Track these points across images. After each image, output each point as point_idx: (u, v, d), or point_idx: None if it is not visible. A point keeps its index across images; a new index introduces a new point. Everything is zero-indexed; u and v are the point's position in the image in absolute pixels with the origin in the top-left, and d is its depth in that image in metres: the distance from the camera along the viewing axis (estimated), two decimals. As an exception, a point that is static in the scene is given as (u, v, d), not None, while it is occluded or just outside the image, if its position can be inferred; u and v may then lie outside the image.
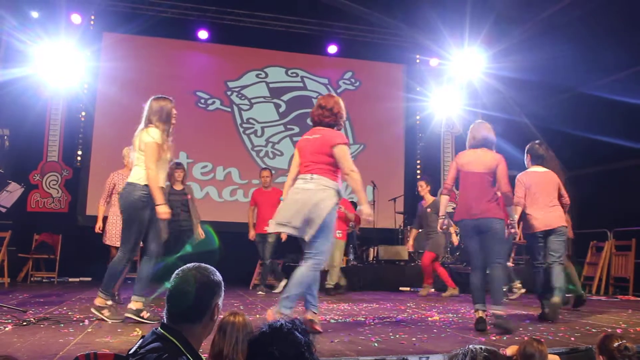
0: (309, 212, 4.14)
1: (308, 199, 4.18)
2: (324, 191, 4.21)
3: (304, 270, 4.18)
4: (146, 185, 4.50)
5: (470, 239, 4.82)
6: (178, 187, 7.14)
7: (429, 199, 8.43)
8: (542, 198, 5.59)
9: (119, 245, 5.36)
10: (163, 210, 4.49)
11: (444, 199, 5.29)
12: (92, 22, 10.23)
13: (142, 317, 4.50)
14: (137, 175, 4.56)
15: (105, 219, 6.30)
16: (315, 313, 4.36)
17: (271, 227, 4.36)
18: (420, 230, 8.72)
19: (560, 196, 5.67)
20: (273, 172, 8.62)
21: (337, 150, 4.28)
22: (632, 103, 8.12)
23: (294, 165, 4.54)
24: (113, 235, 6.11)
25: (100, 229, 6.27)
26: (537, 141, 5.98)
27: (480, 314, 4.59)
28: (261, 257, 8.08)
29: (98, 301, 4.59)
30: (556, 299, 5.30)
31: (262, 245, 7.99)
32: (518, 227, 5.85)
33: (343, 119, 4.56)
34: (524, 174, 5.76)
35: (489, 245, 4.68)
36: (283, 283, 7.79)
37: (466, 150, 5.05)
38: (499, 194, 4.77)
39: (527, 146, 5.88)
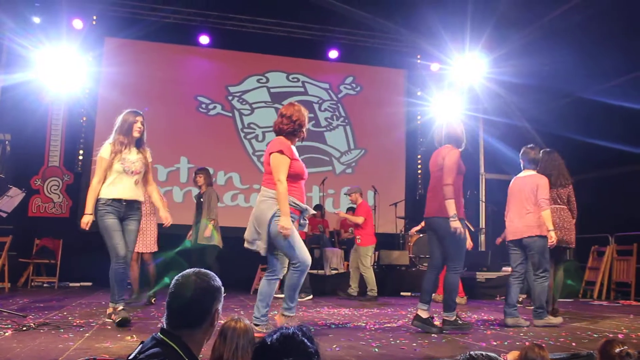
0: (255, 226, 4.24)
1: (254, 213, 4.31)
2: (264, 202, 4.24)
3: (287, 275, 4.34)
4: (99, 199, 4.73)
5: (429, 237, 4.98)
6: (202, 191, 7.58)
7: None
8: (516, 205, 5.44)
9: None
10: (83, 220, 4.70)
11: None
12: (94, 23, 10.22)
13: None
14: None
15: None
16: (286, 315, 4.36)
17: (245, 243, 4.41)
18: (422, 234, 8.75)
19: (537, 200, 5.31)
20: None
21: (271, 159, 4.25)
22: (632, 108, 8.12)
23: None
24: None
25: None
26: (529, 145, 5.74)
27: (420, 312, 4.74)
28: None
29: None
30: (537, 322, 5.21)
31: None
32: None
33: (303, 127, 4.44)
34: (512, 180, 5.67)
35: (441, 244, 4.80)
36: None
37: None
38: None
39: (521, 151, 5.71)
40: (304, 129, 4.47)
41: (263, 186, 4.31)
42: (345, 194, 8.45)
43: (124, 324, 4.53)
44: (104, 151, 4.80)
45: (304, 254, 4.23)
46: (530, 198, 5.33)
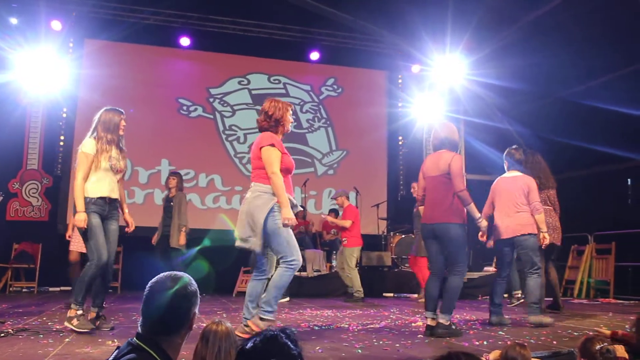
0: (249, 223, 4.15)
1: (246, 209, 4.20)
2: (259, 198, 4.16)
3: (276, 274, 4.20)
4: (85, 196, 4.57)
5: (429, 244, 4.82)
6: (171, 194, 7.56)
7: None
8: (505, 204, 5.45)
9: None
10: (76, 218, 4.54)
11: (421, 210, 5.11)
12: (72, 28, 10.12)
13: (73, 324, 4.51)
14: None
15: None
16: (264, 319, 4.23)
17: (236, 242, 4.30)
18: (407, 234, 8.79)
19: (529, 202, 5.38)
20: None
21: (262, 153, 4.21)
22: (609, 109, 8.24)
23: None
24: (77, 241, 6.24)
25: (71, 237, 6.28)
26: (514, 146, 5.81)
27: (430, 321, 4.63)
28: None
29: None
30: (531, 317, 5.20)
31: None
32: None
33: (283, 123, 4.39)
34: (496, 181, 5.69)
35: (446, 249, 4.68)
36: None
37: (428, 156, 5.02)
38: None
39: (505, 152, 5.76)
40: (285, 123, 4.41)
41: (254, 182, 4.24)
42: (331, 198, 8.46)
43: (86, 332, 4.39)
44: (89, 147, 4.65)
45: (298, 251, 4.20)
46: (520, 198, 5.37)
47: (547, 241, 5.37)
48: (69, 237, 6.42)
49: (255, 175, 4.27)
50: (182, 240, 7.32)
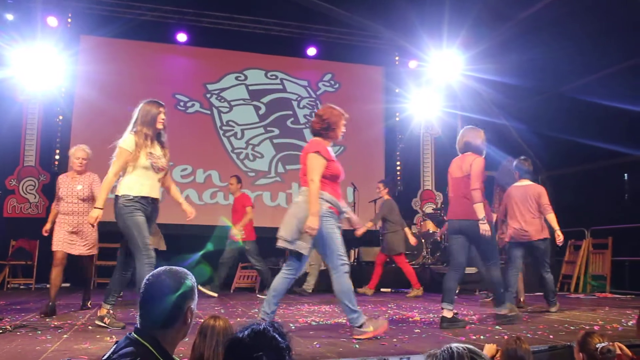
0: (298, 225, 4.15)
1: (296, 212, 4.21)
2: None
3: (335, 284, 4.19)
4: (125, 194, 4.42)
5: (454, 239, 5.02)
6: None
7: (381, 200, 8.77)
8: (521, 211, 6.01)
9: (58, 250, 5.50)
10: (93, 215, 4.45)
11: None
12: (69, 24, 10.10)
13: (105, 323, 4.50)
14: (121, 184, 4.50)
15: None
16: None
17: (278, 242, 4.29)
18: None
19: (539, 207, 5.99)
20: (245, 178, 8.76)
21: (308, 159, 4.25)
22: (607, 105, 8.25)
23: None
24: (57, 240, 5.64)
25: (47, 231, 5.89)
26: (522, 157, 6.41)
27: (446, 312, 4.80)
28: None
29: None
30: (552, 308, 5.93)
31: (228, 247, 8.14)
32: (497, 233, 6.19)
33: (335, 129, 4.43)
34: (510, 188, 6.24)
35: (475, 245, 4.96)
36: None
37: (454, 158, 5.28)
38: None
39: (514, 163, 6.33)
40: (337, 130, 4.45)
41: (305, 186, 4.26)
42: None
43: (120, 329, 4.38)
44: (127, 143, 4.47)
45: (345, 254, 4.26)
46: (534, 205, 5.99)
47: (561, 238, 5.97)
48: (47, 232, 5.90)
49: (306, 180, 4.27)
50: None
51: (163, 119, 4.63)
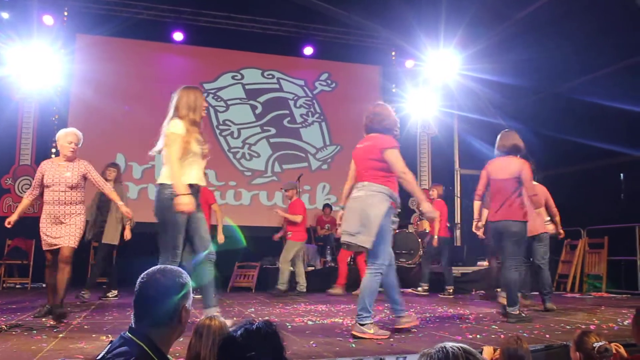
0: (361, 219, 4.20)
1: (359, 207, 4.25)
2: (373, 196, 4.23)
3: (367, 280, 4.26)
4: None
5: (498, 239, 5.24)
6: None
7: None
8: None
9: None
10: (179, 202, 4.02)
11: (476, 205, 5.61)
12: (64, 23, 10.07)
13: None
14: (165, 173, 4.20)
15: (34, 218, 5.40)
16: (401, 317, 4.43)
17: (342, 237, 4.38)
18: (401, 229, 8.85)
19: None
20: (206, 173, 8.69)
21: (387, 155, 4.30)
22: (603, 104, 8.26)
23: (349, 175, 4.63)
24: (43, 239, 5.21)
25: (11, 223, 5.32)
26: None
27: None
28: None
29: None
30: (548, 304, 6.01)
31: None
32: None
33: (391, 125, 4.56)
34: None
35: (504, 246, 5.15)
36: None
37: (494, 159, 5.42)
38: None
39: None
40: (392, 128, 4.57)
41: (368, 181, 4.30)
42: (282, 189, 8.39)
43: None
44: (179, 127, 4.22)
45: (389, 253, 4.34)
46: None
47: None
48: (10, 224, 5.33)
49: (369, 175, 4.32)
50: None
51: (205, 106, 4.53)
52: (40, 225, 5.15)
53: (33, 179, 5.30)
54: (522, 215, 5.10)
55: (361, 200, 4.26)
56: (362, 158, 4.44)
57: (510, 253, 5.10)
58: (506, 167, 5.20)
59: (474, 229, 5.97)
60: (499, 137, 5.49)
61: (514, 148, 5.31)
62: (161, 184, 4.19)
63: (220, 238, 7.59)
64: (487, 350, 3.10)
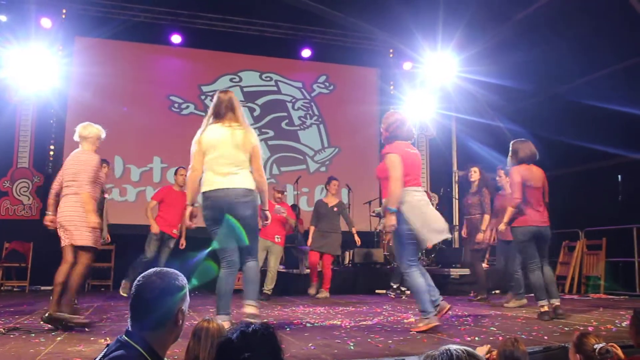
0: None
1: (433, 210, 4.82)
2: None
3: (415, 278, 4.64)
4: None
5: (533, 243, 5.50)
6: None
7: (334, 200, 8.61)
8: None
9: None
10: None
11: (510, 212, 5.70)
12: (62, 24, 10.06)
13: None
14: (250, 179, 4.44)
15: None
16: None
17: (440, 236, 4.73)
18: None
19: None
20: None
21: (420, 160, 5.00)
22: (601, 106, 8.28)
23: (400, 179, 4.68)
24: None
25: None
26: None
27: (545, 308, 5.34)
28: (145, 253, 7.67)
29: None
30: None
31: (159, 243, 7.71)
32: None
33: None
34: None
35: (543, 248, 5.55)
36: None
37: (524, 166, 5.59)
38: None
39: None
40: (402, 131, 4.82)
41: (420, 186, 4.82)
42: (276, 189, 8.37)
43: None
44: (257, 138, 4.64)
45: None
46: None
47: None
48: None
49: (420, 182, 4.84)
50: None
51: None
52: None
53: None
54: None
55: (429, 203, 4.83)
56: (418, 165, 4.86)
57: (544, 255, 5.56)
58: (539, 175, 5.59)
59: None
60: (524, 145, 5.71)
61: (534, 156, 5.66)
62: (252, 190, 4.43)
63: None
64: (481, 350, 3.10)
